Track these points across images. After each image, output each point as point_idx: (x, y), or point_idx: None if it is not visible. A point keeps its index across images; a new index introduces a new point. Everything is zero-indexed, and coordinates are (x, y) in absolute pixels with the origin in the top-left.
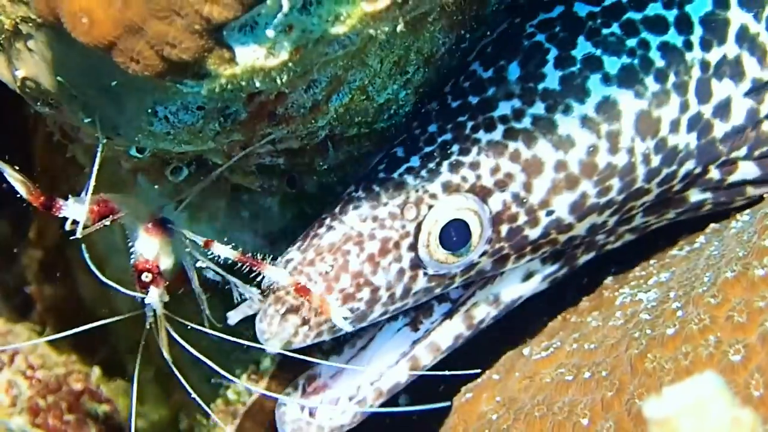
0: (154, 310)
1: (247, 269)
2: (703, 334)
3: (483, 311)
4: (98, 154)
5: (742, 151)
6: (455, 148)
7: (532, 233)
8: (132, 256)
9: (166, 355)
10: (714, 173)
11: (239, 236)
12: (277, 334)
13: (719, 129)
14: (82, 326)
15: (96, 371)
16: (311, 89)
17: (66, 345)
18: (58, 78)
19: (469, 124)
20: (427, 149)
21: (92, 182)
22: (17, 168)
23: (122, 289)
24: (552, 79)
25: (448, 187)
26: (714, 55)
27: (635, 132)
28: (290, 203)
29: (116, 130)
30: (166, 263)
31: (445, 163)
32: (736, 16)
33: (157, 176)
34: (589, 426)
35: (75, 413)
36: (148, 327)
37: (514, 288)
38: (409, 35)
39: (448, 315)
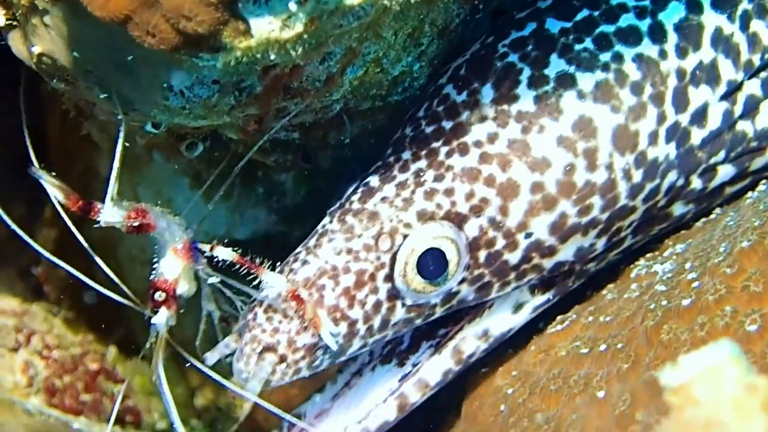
0: (158, 331)
1: (245, 272)
2: (719, 304)
3: (472, 345)
4: (120, 134)
5: (721, 156)
6: (429, 175)
7: (512, 257)
8: (153, 272)
9: (158, 375)
10: (696, 183)
11: (253, 213)
12: (255, 373)
13: (697, 136)
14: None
15: (112, 351)
16: (326, 62)
17: (82, 325)
18: (74, 53)
19: (443, 150)
20: (401, 177)
21: (117, 164)
22: (54, 174)
23: (128, 303)
24: (525, 99)
25: (422, 216)
26: (690, 62)
27: (613, 147)
28: (305, 179)
29: (132, 106)
30: (183, 288)
31: (420, 191)
32: (710, 20)
33: (172, 152)
34: (605, 398)
35: (91, 393)
36: (148, 346)
37: (504, 321)
38: (424, 6)
39: (437, 350)
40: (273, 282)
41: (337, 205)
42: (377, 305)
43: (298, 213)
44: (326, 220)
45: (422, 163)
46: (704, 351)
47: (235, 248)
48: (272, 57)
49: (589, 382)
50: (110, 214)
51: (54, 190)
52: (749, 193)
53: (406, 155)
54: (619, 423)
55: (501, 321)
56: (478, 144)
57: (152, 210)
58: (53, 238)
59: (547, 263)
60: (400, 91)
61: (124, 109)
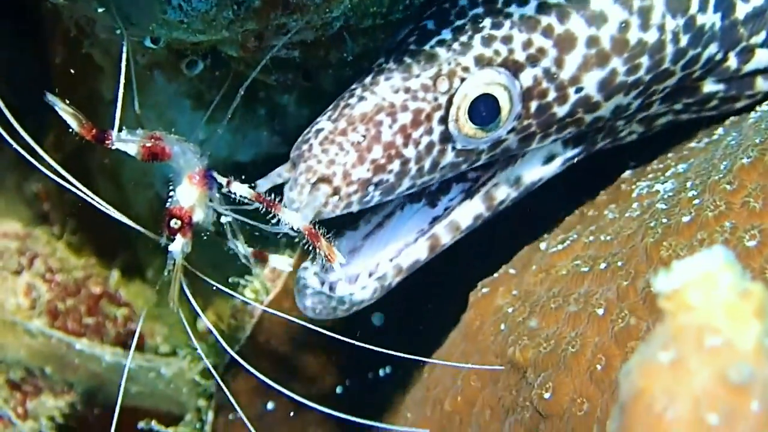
0: (174, 259)
1: (263, 210)
2: (718, 220)
3: (503, 192)
4: (123, 53)
5: (761, 37)
6: (487, 21)
7: (560, 111)
8: (169, 200)
9: (173, 306)
10: (732, 61)
11: (255, 134)
12: (307, 203)
13: (741, 10)
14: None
15: (115, 275)
16: None
17: (85, 248)
18: None
19: None
20: (459, 22)
21: (121, 86)
22: (68, 102)
23: (144, 232)
24: None
25: (480, 61)
26: None
27: (666, 8)
28: (307, 100)
29: (129, 20)
30: (198, 216)
31: (478, 37)
32: None
33: (173, 71)
34: (604, 316)
35: (94, 316)
36: (165, 274)
37: (536, 170)
38: None
39: (469, 195)
40: (290, 219)
41: (392, 45)
42: (430, 146)
43: (300, 134)
44: (381, 59)
45: (480, 10)
46: (698, 257)
47: (251, 184)
48: None
49: (588, 299)
50: (125, 142)
51: (69, 117)
52: (752, 114)
53: (463, 1)
54: (617, 339)
55: (533, 170)
56: None
57: (167, 137)
58: (57, 163)
59: (588, 118)
60: (401, 9)
61: (122, 23)
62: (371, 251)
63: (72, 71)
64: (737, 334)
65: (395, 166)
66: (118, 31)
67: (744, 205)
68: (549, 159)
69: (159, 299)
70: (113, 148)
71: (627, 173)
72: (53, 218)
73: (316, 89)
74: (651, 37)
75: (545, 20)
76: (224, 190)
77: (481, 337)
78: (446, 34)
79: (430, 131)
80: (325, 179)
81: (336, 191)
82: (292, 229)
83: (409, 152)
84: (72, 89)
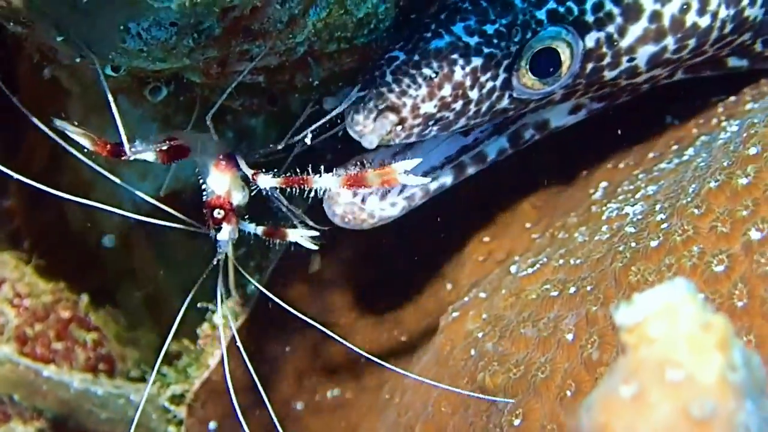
0: (224, 247)
1: (297, 191)
2: (686, 245)
3: (529, 133)
4: (102, 79)
5: None
6: None
7: (608, 75)
8: (204, 193)
9: (233, 292)
10: (758, 45)
11: None
12: (373, 129)
13: None
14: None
15: (84, 299)
16: (287, 3)
17: (54, 272)
18: None
19: None
20: None
21: (111, 100)
22: (76, 123)
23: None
24: None
25: (553, 17)
26: None
27: None
28: (274, 122)
29: (90, 48)
30: (237, 198)
31: None
32: None
33: (137, 97)
34: (574, 341)
35: (63, 341)
36: (215, 263)
37: (562, 117)
38: None
39: (498, 131)
40: (327, 183)
41: None
42: (491, 91)
43: (269, 157)
44: None
45: None
46: (659, 289)
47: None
48: None
49: (558, 324)
50: (142, 151)
51: (81, 138)
52: (722, 134)
53: None
54: (587, 365)
55: (559, 117)
56: None
57: (180, 134)
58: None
59: (625, 83)
60: (365, 33)
61: (81, 52)
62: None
63: (39, 93)
64: (699, 367)
65: (458, 105)
66: (78, 60)
67: (712, 230)
68: (575, 109)
69: (129, 323)
70: (131, 159)
71: (598, 194)
72: (23, 234)
73: (283, 112)
74: (704, 22)
75: None
76: (252, 186)
77: (452, 362)
78: None
79: (495, 77)
80: (394, 108)
81: (402, 121)
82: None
83: (474, 94)
84: (40, 110)
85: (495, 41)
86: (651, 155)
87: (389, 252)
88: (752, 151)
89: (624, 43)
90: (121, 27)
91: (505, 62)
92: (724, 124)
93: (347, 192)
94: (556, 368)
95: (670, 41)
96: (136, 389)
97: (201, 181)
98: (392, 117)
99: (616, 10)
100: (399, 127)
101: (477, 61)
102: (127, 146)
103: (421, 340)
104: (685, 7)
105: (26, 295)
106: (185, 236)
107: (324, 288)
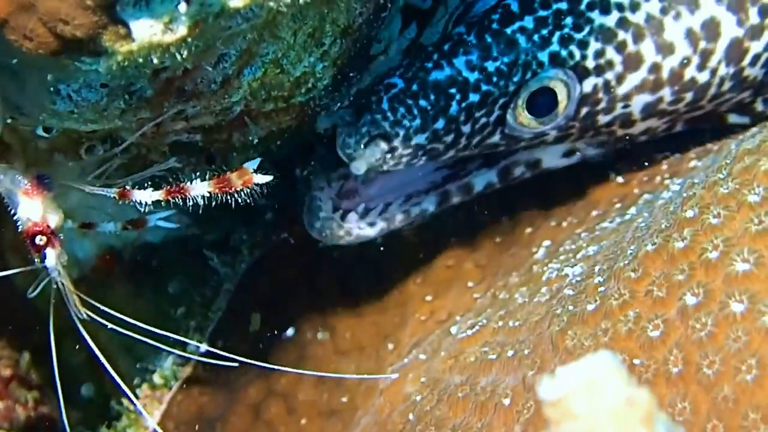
0: (58, 273)
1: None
2: (622, 309)
3: (519, 171)
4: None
5: None
6: (569, 20)
7: (602, 120)
8: (18, 223)
9: (76, 314)
10: (759, 104)
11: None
12: (364, 156)
13: None
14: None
15: (26, 357)
16: (220, 64)
17: None
18: None
19: (586, 0)
20: (542, 13)
21: None
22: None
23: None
24: None
25: (554, 59)
26: None
27: (724, 56)
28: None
29: (20, 110)
30: (54, 220)
31: (557, 34)
32: None
33: (74, 155)
34: (510, 406)
35: (3, 400)
36: (54, 287)
37: (554, 159)
38: (323, 5)
39: (488, 164)
40: (202, 190)
41: (472, 18)
42: (484, 126)
43: (211, 215)
44: (461, 28)
45: (563, 5)
46: (582, 362)
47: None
48: (155, 61)
49: (495, 389)
50: None
51: None
52: (665, 193)
53: None
54: (524, 430)
55: (552, 159)
56: (620, 7)
57: None
58: None
59: (619, 132)
60: (303, 92)
61: (11, 113)
62: (383, 188)
63: None
64: None
65: (449, 138)
66: (9, 121)
67: (648, 294)
68: (569, 153)
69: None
70: None
71: (540, 254)
72: None
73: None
74: (702, 77)
75: (621, 35)
76: (128, 202)
77: (390, 426)
78: (528, 23)
79: (490, 113)
80: (386, 137)
81: (392, 150)
82: None
83: (466, 129)
84: None
85: (495, 79)
86: (594, 213)
87: (333, 310)
88: (689, 213)
89: (620, 90)
90: (51, 88)
91: (502, 100)
92: (667, 182)
93: (328, 205)
94: None
95: (666, 93)
96: None
97: (12, 211)
98: (383, 145)
99: (617, 59)
100: (389, 155)
101: (474, 98)
102: None
103: (362, 401)
104: (685, 61)
105: None
106: (130, 293)
107: (265, 346)
